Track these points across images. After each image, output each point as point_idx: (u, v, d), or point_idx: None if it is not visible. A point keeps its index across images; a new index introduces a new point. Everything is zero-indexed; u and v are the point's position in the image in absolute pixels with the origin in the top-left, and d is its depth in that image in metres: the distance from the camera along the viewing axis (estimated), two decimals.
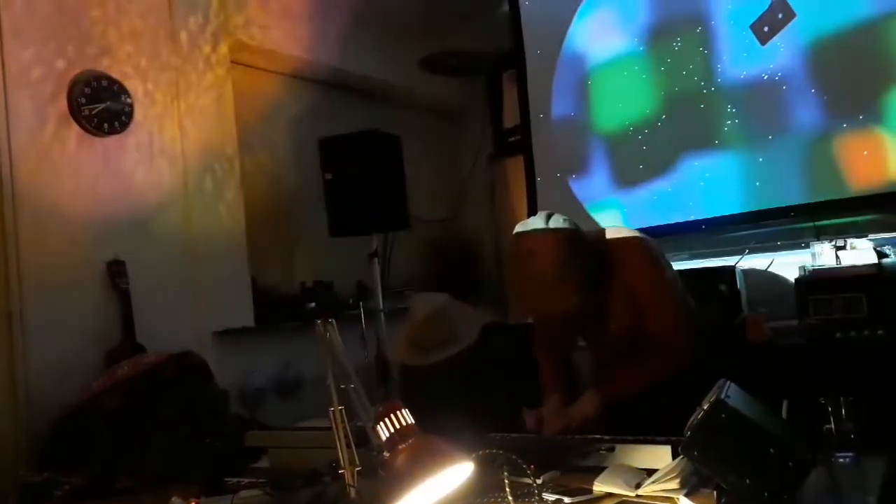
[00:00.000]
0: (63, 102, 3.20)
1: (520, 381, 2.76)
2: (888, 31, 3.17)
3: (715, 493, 1.48)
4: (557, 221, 2.09)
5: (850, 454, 1.70)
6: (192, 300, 3.58)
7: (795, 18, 3.34)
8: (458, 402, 2.36)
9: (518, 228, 2.13)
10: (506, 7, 4.43)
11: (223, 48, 3.87)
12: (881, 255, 3.04)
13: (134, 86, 3.43)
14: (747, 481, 1.39)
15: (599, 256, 2.15)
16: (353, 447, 1.61)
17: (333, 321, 1.65)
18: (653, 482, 1.62)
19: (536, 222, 2.09)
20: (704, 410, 1.46)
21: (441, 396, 2.64)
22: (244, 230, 3.89)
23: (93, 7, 3.34)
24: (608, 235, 2.24)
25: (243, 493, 1.94)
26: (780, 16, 3.36)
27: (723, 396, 1.46)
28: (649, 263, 2.22)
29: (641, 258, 2.21)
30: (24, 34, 3.10)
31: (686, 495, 1.56)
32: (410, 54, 4.86)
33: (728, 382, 1.57)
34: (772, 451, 1.41)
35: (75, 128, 3.22)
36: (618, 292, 2.17)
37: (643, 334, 2.20)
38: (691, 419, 1.50)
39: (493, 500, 1.65)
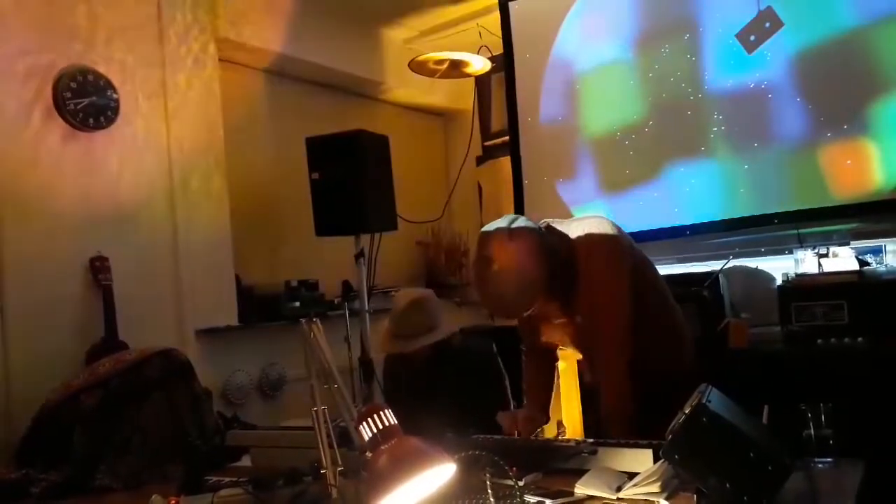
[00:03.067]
0: (48, 96, 3.17)
1: (496, 382, 2.79)
2: (874, 40, 3.20)
3: (695, 496, 1.49)
4: (517, 225, 2.08)
5: (828, 459, 1.72)
6: (176, 297, 3.57)
7: (783, 28, 3.36)
8: (439, 401, 2.37)
9: (481, 231, 2.13)
10: (496, 10, 4.44)
11: (211, 45, 3.86)
12: (863, 262, 3.08)
13: (120, 81, 3.41)
14: (727, 485, 1.40)
15: (566, 257, 2.12)
16: (336, 447, 1.61)
17: (318, 321, 1.65)
18: (634, 485, 1.63)
19: (496, 227, 2.09)
20: (686, 414, 1.47)
21: (424, 393, 2.67)
22: (229, 228, 3.89)
23: (80, 2, 3.32)
24: (575, 233, 2.17)
25: (224, 492, 1.93)
26: (767, 25, 3.38)
27: (704, 401, 1.47)
28: (596, 265, 2.13)
29: (591, 259, 2.13)
30: (10, 27, 3.08)
31: (666, 499, 1.57)
32: (400, 55, 4.86)
33: (710, 387, 1.58)
34: (751, 455, 1.42)
35: (60, 122, 3.20)
36: (582, 293, 2.13)
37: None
38: (673, 423, 1.51)
39: (474, 501, 1.65)
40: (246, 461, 2.32)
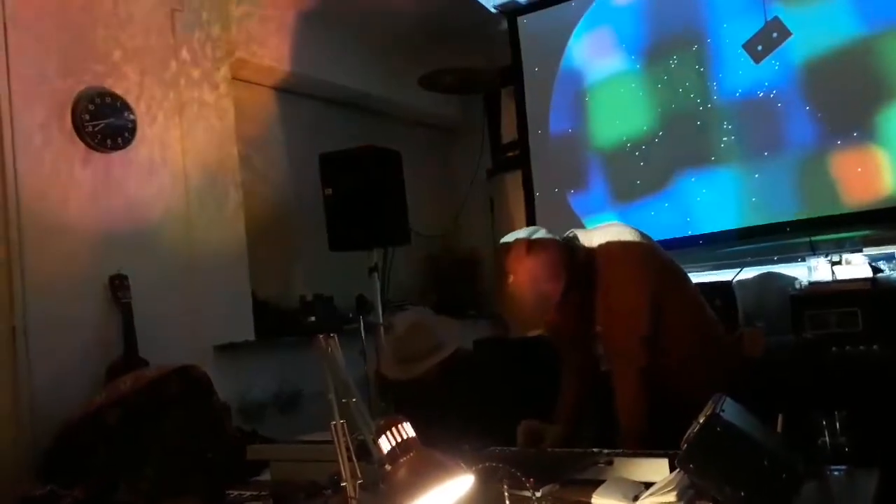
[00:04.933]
0: (67, 119, 3.22)
1: (511, 394, 2.79)
2: (881, 48, 3.22)
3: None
4: (535, 238, 2.10)
5: (843, 467, 1.72)
6: (194, 314, 3.60)
7: (790, 38, 3.38)
8: (449, 416, 2.38)
9: (500, 243, 2.16)
10: (505, 24, 4.48)
11: (224, 65, 3.91)
12: (875, 269, 3.08)
13: (137, 102, 3.46)
14: (742, 493, 1.41)
15: (586, 267, 2.13)
16: (355, 460, 1.63)
17: (335, 336, 1.68)
18: (650, 495, 1.64)
19: (515, 238, 2.12)
20: (700, 424, 1.49)
21: (431, 411, 2.67)
22: (245, 245, 3.92)
23: (96, 25, 3.37)
24: (596, 242, 2.18)
25: None
26: (774, 35, 3.40)
27: (718, 410, 1.49)
28: (611, 273, 2.13)
29: (607, 268, 2.13)
30: (29, 52, 3.14)
31: None
32: (410, 71, 4.90)
33: (723, 397, 1.59)
34: (766, 463, 1.43)
35: (79, 144, 3.25)
36: (599, 302, 2.14)
37: None
38: (688, 433, 1.52)
39: None
40: (266, 475, 2.35)
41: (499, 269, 2.13)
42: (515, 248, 2.10)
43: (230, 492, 2.14)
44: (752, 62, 3.48)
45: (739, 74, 3.56)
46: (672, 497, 1.60)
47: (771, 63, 3.45)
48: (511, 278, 2.07)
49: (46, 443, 2.67)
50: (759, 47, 3.43)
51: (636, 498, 1.66)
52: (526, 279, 2.06)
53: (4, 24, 3.06)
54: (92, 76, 3.33)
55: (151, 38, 3.60)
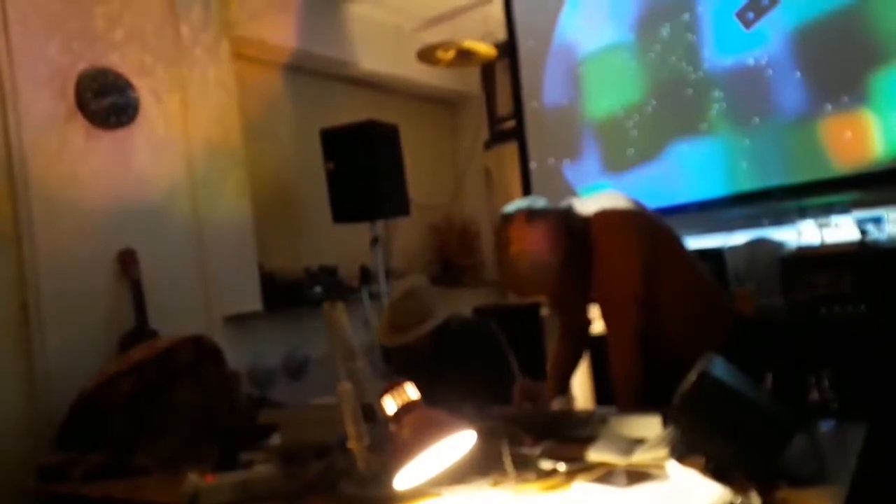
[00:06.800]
0: (71, 97, 3.27)
1: (500, 359, 2.86)
2: (872, 12, 3.22)
3: (704, 459, 1.56)
4: (536, 208, 2.16)
5: (831, 422, 1.76)
6: (202, 286, 3.67)
7: (780, 3, 3.41)
8: (445, 386, 2.45)
9: (501, 213, 2.20)
10: None
11: (225, 42, 3.93)
12: (863, 231, 3.12)
13: (139, 80, 3.50)
14: (733, 447, 1.45)
15: (582, 235, 2.17)
16: (362, 422, 1.71)
17: (341, 303, 1.75)
18: (643, 450, 1.69)
19: (516, 209, 2.17)
20: (691, 381, 1.54)
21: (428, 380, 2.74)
22: (251, 218, 3.97)
23: (97, 4, 3.40)
24: (591, 210, 2.22)
25: (257, 468, 2.03)
26: (765, 1, 3.43)
27: (708, 368, 1.55)
28: (604, 238, 2.16)
29: (601, 234, 2.16)
30: (32, 31, 3.17)
31: (675, 461, 1.64)
32: (407, 45, 4.92)
33: (713, 357, 1.65)
34: (755, 418, 1.47)
35: (84, 122, 3.29)
36: (594, 267, 2.17)
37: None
38: (678, 390, 1.59)
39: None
40: (277, 439, 2.42)
41: (499, 238, 2.17)
42: (515, 218, 2.15)
43: (242, 455, 2.23)
44: (742, 29, 3.50)
45: (730, 42, 3.57)
46: (664, 452, 1.64)
47: (762, 30, 3.47)
48: (511, 248, 2.12)
49: (62, 413, 2.71)
50: (750, 14, 3.46)
51: (630, 453, 1.70)
52: (525, 248, 2.10)
53: (4, 5, 3.09)
54: (94, 55, 3.36)
55: (152, 16, 3.62)
